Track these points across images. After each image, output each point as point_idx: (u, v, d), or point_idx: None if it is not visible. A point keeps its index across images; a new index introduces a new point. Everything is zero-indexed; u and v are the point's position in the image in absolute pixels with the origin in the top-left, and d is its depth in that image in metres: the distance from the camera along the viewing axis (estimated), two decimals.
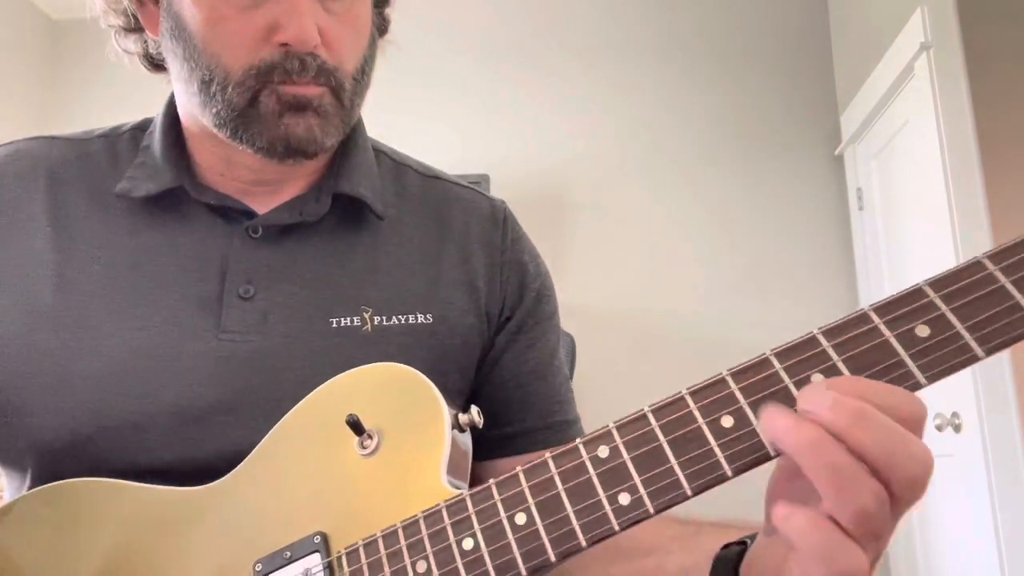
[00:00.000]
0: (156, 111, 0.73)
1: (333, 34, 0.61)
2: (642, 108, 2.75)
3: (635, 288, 2.60)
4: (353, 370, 0.57)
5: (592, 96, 2.78)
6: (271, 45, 0.59)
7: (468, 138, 2.76)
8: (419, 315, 0.66)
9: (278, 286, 0.65)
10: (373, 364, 0.57)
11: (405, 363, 0.57)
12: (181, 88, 0.65)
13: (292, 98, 0.60)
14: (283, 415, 0.59)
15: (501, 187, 2.55)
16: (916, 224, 2.10)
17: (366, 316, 0.65)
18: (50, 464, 0.60)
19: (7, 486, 0.67)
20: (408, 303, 0.66)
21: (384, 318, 0.65)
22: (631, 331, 2.54)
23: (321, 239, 0.67)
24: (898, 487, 0.34)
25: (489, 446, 0.68)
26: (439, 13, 2.82)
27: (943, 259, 1.87)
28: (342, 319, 0.64)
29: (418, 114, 2.70)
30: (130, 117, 0.75)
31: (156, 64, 0.70)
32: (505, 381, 0.70)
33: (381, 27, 0.72)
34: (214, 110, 0.61)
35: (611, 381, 2.36)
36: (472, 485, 0.68)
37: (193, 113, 0.65)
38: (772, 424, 0.35)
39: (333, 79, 0.61)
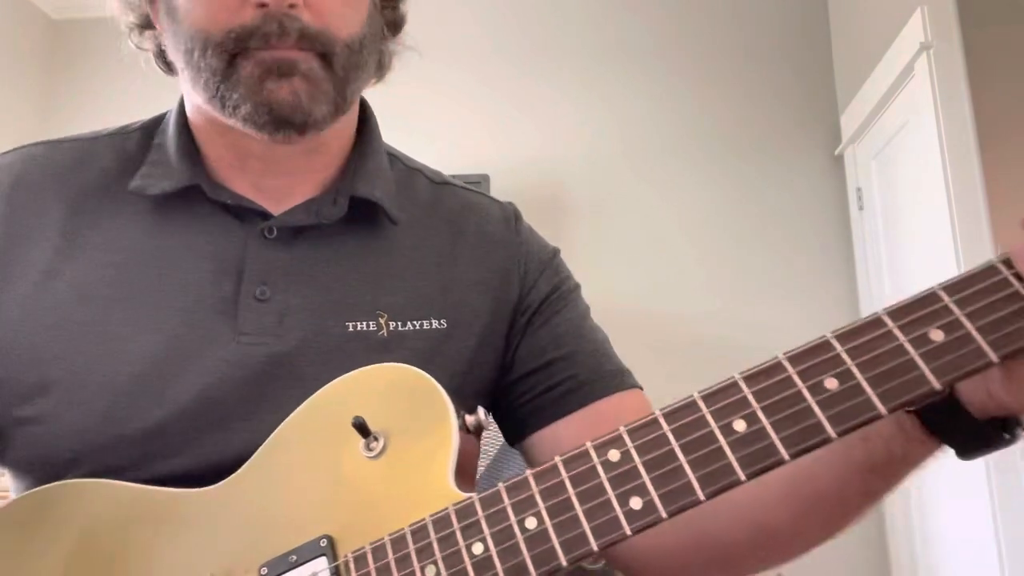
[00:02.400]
0: (157, 110, 0.72)
1: None
2: (642, 108, 2.75)
3: (634, 288, 2.59)
4: (358, 371, 0.57)
5: (592, 97, 2.78)
6: (249, 7, 0.58)
7: (468, 139, 2.75)
8: (433, 321, 0.66)
9: (294, 288, 0.64)
10: (378, 365, 0.57)
11: (421, 369, 0.57)
12: (180, 71, 0.65)
13: (273, 61, 0.59)
14: None
15: (501, 188, 2.55)
16: (916, 224, 2.10)
17: (382, 321, 0.65)
18: (64, 472, 0.59)
19: (12, 489, 0.66)
20: (422, 309, 0.66)
21: (399, 323, 0.65)
22: (631, 331, 2.52)
23: (335, 242, 0.67)
24: None
25: (548, 411, 0.67)
26: (439, 14, 2.82)
27: (943, 259, 1.87)
28: (359, 323, 0.64)
29: (418, 115, 2.69)
30: (130, 116, 0.74)
31: (169, 64, 0.69)
32: (543, 347, 0.68)
33: (393, 23, 0.71)
34: (201, 81, 0.61)
35: None
36: (540, 454, 0.67)
37: (194, 100, 0.65)
38: None
39: (318, 43, 0.60)
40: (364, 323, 0.64)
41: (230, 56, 0.59)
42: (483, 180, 2.52)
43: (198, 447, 0.59)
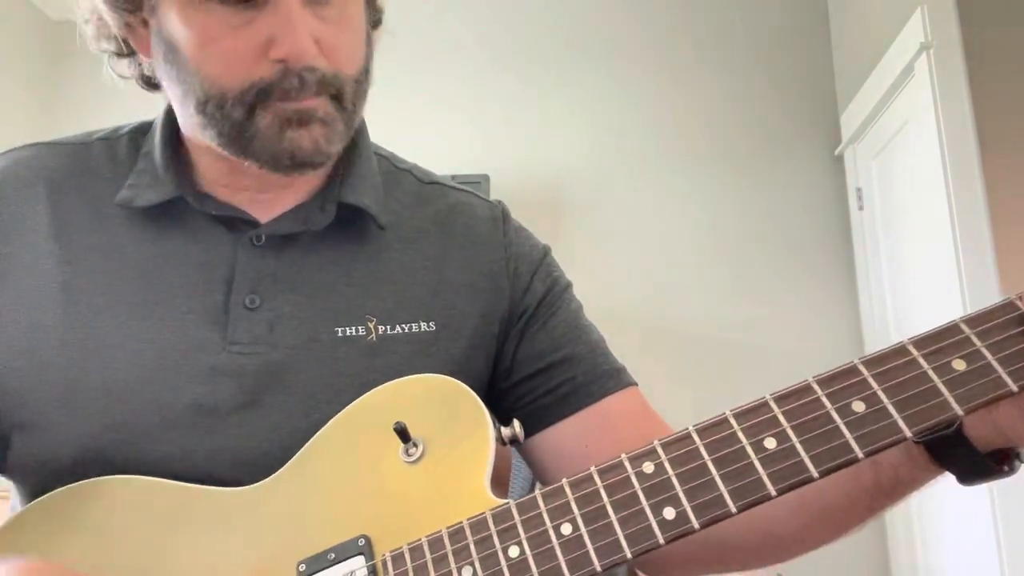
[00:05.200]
0: (155, 111, 0.71)
1: (330, 42, 0.60)
2: (642, 109, 2.75)
3: (634, 289, 2.59)
4: (398, 380, 0.59)
5: (592, 97, 2.77)
6: (267, 62, 0.58)
7: (468, 139, 2.74)
8: (422, 323, 0.67)
9: (283, 296, 0.65)
10: (417, 375, 0.59)
11: (410, 372, 0.59)
12: (179, 108, 0.65)
13: (294, 113, 0.59)
14: (293, 426, 0.60)
15: (501, 188, 2.54)
16: (916, 224, 2.10)
17: (370, 326, 0.65)
18: (63, 477, 0.60)
19: (13, 494, 0.67)
20: (411, 312, 0.67)
21: (388, 327, 0.66)
22: (631, 332, 2.53)
23: (324, 248, 0.67)
24: None
25: (548, 413, 0.68)
26: (439, 14, 2.82)
27: (943, 259, 1.88)
28: (347, 328, 0.65)
29: (418, 115, 2.68)
30: (129, 117, 0.74)
31: (154, 84, 0.69)
32: (542, 350, 0.70)
33: (374, 20, 0.70)
34: (215, 130, 0.61)
35: None
36: (541, 456, 0.68)
37: (194, 130, 0.65)
38: None
39: (333, 87, 0.61)
40: (353, 328, 0.65)
41: (248, 108, 0.59)
42: (483, 180, 2.50)
43: (191, 454, 0.60)
